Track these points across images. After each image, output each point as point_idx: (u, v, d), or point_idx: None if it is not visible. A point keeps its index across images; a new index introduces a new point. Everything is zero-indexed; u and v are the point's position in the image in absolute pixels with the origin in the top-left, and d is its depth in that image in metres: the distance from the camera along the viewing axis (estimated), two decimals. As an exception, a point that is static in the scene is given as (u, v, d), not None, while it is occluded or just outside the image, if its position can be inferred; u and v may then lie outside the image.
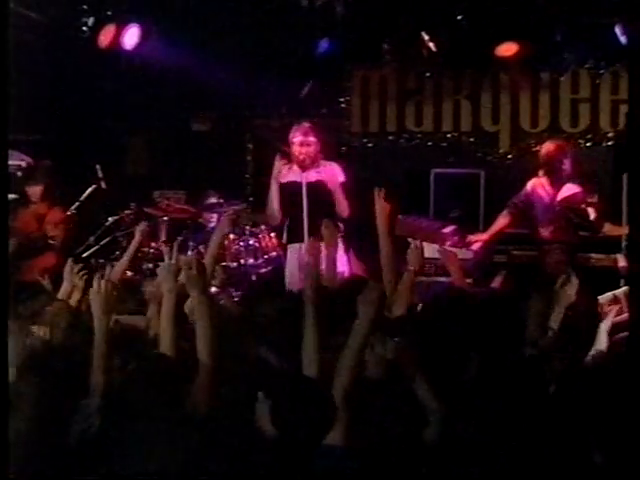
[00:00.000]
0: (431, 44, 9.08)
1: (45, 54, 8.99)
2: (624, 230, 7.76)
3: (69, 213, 8.39)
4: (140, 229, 6.56)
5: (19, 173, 9.09)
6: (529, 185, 8.04)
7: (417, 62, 9.63)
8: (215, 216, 8.85)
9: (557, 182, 7.88)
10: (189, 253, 8.21)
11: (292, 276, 7.15)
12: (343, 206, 7.17)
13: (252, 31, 9.19)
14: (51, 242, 8.00)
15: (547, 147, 8.09)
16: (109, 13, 8.88)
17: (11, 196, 8.71)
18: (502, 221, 8.15)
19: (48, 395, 3.36)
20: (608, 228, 7.88)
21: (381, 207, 5.65)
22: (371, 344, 3.53)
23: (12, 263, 5.23)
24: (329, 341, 3.65)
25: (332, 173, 7.27)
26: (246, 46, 9.45)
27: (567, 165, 7.89)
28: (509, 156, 9.90)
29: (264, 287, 7.76)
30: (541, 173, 8.00)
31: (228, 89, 9.72)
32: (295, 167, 7.25)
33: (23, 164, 9.20)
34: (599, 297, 5.84)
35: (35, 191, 8.20)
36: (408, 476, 3.19)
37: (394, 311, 4.65)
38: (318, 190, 7.19)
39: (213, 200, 9.06)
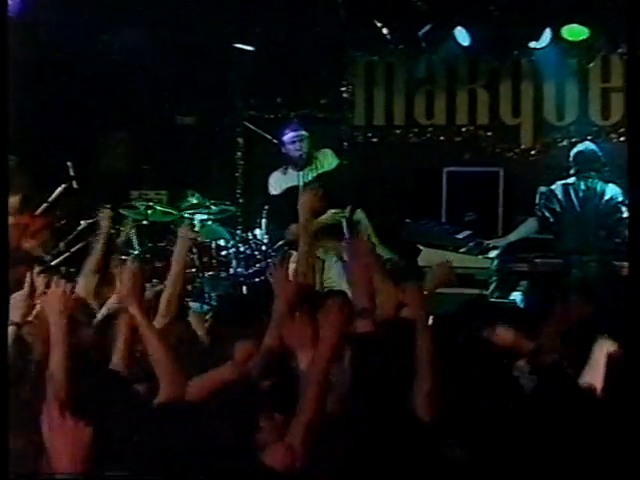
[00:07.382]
0: (443, 27, 8.97)
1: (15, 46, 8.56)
2: None
3: (42, 219, 8.23)
4: (104, 216, 6.50)
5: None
6: (558, 189, 7.75)
7: (427, 47, 9.47)
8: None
9: (593, 185, 7.66)
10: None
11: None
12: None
13: (248, 15, 9.11)
14: (29, 254, 7.66)
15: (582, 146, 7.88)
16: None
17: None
18: (527, 228, 7.98)
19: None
20: None
21: (304, 201, 5.46)
22: None
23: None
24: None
25: (327, 163, 7.20)
26: (240, 31, 9.45)
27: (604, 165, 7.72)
28: (532, 152, 9.78)
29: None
30: (572, 173, 7.76)
31: (217, 77, 9.77)
32: (290, 170, 7.13)
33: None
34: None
35: (13, 201, 7.92)
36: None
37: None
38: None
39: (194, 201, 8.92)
